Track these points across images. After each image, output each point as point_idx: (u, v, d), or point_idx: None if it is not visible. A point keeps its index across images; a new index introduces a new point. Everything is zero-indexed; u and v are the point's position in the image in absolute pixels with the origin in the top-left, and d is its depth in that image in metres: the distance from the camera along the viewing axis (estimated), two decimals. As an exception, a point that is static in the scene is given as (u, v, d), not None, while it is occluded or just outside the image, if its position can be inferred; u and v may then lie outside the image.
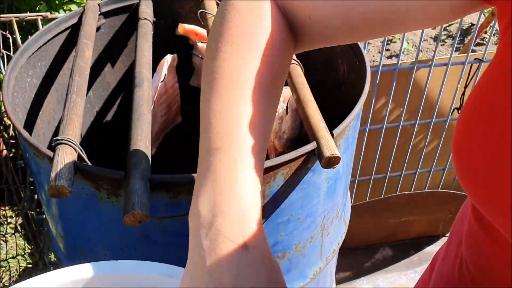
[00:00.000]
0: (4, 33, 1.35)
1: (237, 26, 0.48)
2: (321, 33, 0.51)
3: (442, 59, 1.52)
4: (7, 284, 1.73)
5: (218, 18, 0.50)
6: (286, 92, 1.01)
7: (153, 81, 1.09)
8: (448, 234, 0.70)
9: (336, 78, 1.13)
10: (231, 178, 0.43)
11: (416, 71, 1.51)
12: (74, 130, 0.77)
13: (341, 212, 1.00)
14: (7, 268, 1.73)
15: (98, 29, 1.14)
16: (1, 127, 1.42)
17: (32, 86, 1.02)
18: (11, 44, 1.39)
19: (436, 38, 3.24)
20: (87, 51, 0.95)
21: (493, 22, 2.13)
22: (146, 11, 1.11)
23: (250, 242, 0.41)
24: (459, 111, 1.63)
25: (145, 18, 1.08)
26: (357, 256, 1.75)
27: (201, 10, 1.08)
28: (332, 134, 0.77)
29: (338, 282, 1.68)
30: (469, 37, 3.15)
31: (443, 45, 3.21)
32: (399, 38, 3.24)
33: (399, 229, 1.73)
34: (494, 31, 1.63)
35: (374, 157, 1.63)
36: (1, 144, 1.34)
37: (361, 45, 1.02)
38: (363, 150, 1.60)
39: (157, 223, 0.75)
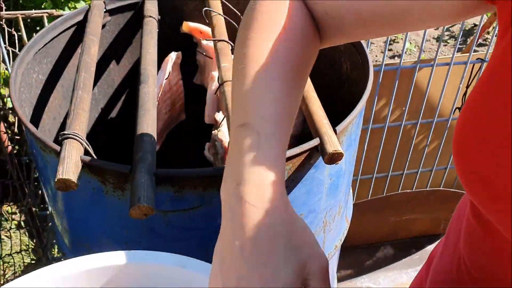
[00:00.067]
0: (10, 30, 1.36)
1: (264, 19, 0.52)
2: (338, 28, 0.54)
3: (444, 58, 1.52)
4: (12, 279, 1.74)
5: (247, 14, 0.54)
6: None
7: (157, 78, 1.10)
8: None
9: (339, 75, 1.14)
10: (254, 150, 0.46)
11: (418, 71, 1.51)
12: (81, 125, 0.78)
13: (343, 209, 1.01)
14: (11, 264, 1.74)
15: (103, 26, 1.15)
16: (5, 124, 1.43)
17: (38, 82, 1.03)
18: (16, 41, 1.41)
19: (438, 39, 3.25)
20: (93, 47, 0.96)
21: (495, 22, 2.14)
22: (151, 9, 1.12)
23: (270, 207, 0.44)
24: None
25: (150, 16, 1.09)
26: (359, 254, 1.76)
27: (206, 8, 1.09)
28: (335, 131, 0.78)
29: (340, 280, 1.69)
30: (471, 38, 3.16)
31: (445, 45, 3.22)
32: (401, 38, 3.25)
33: (401, 228, 1.74)
34: (496, 32, 1.63)
35: (376, 156, 1.64)
36: (6, 140, 1.35)
37: (364, 43, 1.03)
38: (365, 149, 1.61)
39: (162, 217, 0.76)
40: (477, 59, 1.53)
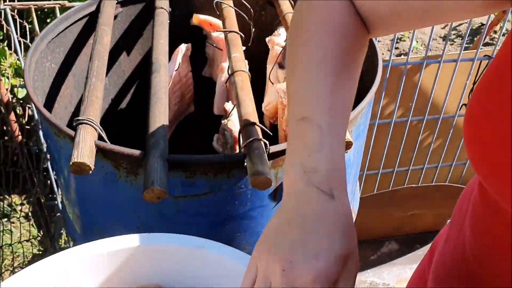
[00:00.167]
0: (21, 21, 1.38)
1: (312, 19, 0.55)
2: (380, 23, 0.57)
3: (452, 54, 1.53)
4: (18, 270, 1.76)
5: (296, 15, 0.58)
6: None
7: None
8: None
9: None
10: (318, 142, 0.49)
11: (425, 67, 1.52)
12: (95, 111, 0.79)
13: (350, 200, 1.02)
14: (18, 254, 1.76)
15: (115, 17, 1.16)
16: (14, 113, 1.45)
17: (51, 70, 1.04)
18: (28, 33, 1.42)
19: (445, 38, 3.25)
20: (105, 37, 0.98)
21: (502, 21, 2.14)
22: (163, 0, 1.13)
23: (337, 193, 0.48)
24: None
25: (161, 7, 1.10)
26: (363, 249, 1.77)
27: (217, 0, 1.11)
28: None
29: (344, 274, 1.69)
30: (478, 37, 3.16)
31: (452, 44, 3.22)
32: (408, 37, 3.26)
33: (405, 223, 1.74)
34: (504, 31, 1.64)
35: (382, 152, 1.65)
36: (17, 129, 1.37)
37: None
38: (371, 144, 1.62)
39: (173, 202, 0.78)
40: (484, 55, 1.53)
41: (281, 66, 1.15)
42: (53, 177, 1.53)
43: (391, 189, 1.66)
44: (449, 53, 1.55)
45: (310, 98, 0.52)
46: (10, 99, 1.30)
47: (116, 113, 1.29)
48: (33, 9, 1.25)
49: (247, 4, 1.12)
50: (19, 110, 1.71)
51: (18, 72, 1.43)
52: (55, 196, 1.60)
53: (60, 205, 1.60)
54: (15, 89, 1.44)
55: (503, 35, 3.11)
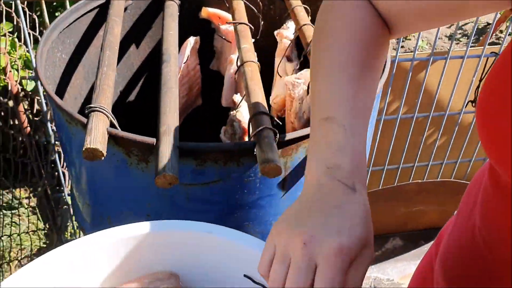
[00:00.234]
0: (30, 13, 1.39)
1: (335, 22, 0.58)
2: (401, 23, 0.58)
3: (459, 51, 1.54)
4: (24, 263, 1.77)
5: (320, 17, 0.60)
6: (308, 74, 1.03)
7: (177, 61, 1.12)
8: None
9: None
10: (341, 141, 0.51)
11: (431, 64, 1.53)
12: (106, 99, 0.80)
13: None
14: (24, 247, 1.77)
15: (124, 9, 1.17)
16: (23, 105, 1.46)
17: (62, 61, 1.05)
18: (37, 25, 1.43)
19: (450, 37, 3.25)
20: (116, 28, 0.99)
21: (509, 19, 2.15)
22: (172, -7, 1.14)
23: (358, 188, 0.50)
24: (473, 105, 1.65)
25: (171, 0, 1.11)
26: (368, 245, 1.77)
27: (226, -7, 1.11)
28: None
29: (348, 269, 1.70)
30: (485, 34, 3.16)
31: (457, 43, 3.22)
32: (413, 36, 3.26)
33: (410, 219, 1.75)
34: (510, 31, 1.64)
35: (388, 148, 1.66)
36: (25, 121, 1.38)
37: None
38: (377, 140, 1.62)
39: (183, 190, 0.79)
40: (491, 52, 1.54)
41: (289, 59, 1.16)
42: (60, 169, 1.54)
43: (396, 184, 1.67)
44: (456, 49, 1.55)
45: (334, 101, 0.54)
46: (20, 90, 1.31)
47: (125, 105, 1.30)
48: (43, 1, 1.26)
49: (256, -3, 1.13)
50: (26, 104, 1.73)
51: (27, 64, 1.44)
52: (62, 188, 1.61)
53: (66, 198, 1.61)
54: (23, 81, 1.45)
55: (510, 34, 3.11)
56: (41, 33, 1.46)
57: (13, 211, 1.84)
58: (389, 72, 1.48)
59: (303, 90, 1.02)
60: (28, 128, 1.40)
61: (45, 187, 1.51)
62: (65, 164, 1.63)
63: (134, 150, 0.76)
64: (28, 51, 1.34)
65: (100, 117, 0.75)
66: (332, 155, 0.51)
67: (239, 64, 0.92)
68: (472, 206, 0.60)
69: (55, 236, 1.75)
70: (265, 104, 0.80)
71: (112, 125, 0.77)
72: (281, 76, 1.14)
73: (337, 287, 0.44)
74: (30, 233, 1.78)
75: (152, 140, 0.74)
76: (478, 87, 1.61)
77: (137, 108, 1.31)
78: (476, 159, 1.83)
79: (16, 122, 1.48)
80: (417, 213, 1.74)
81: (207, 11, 1.23)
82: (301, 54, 1.09)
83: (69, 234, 1.80)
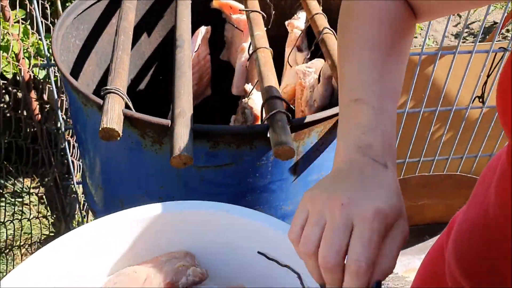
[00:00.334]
0: (43, 2, 1.40)
1: (361, 7, 0.58)
2: (426, 8, 0.59)
3: (467, 46, 1.54)
4: (34, 250, 1.79)
5: (345, 3, 0.61)
6: (318, 63, 1.04)
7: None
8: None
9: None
10: (372, 122, 0.52)
11: (439, 59, 1.53)
12: (122, 82, 0.81)
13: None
14: (31, 235, 1.79)
15: (137, -2, 1.18)
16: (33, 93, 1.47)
17: (75, 47, 1.07)
18: (49, 14, 1.45)
19: (457, 35, 3.25)
20: (130, 14, 1.00)
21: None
22: (185, -18, 1.15)
23: (390, 166, 0.50)
24: (480, 100, 1.66)
25: (184, -11, 1.12)
26: (373, 238, 1.78)
27: (238, -17, 1.12)
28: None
29: (353, 262, 1.71)
30: (494, 30, 3.16)
31: (464, 42, 3.22)
32: (420, 34, 3.26)
33: (415, 213, 1.76)
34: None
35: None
36: (36, 108, 1.39)
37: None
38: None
39: (196, 172, 0.80)
40: (499, 48, 1.54)
41: (299, 49, 1.17)
42: (70, 157, 1.55)
43: (402, 177, 1.68)
44: (464, 44, 1.56)
45: (362, 82, 0.55)
46: (32, 77, 1.32)
47: (136, 93, 1.31)
48: (56, -11, 1.27)
49: (267, -14, 1.14)
50: (36, 93, 1.74)
51: (39, 53, 1.45)
52: (71, 177, 1.62)
53: (75, 186, 1.62)
54: (35, 70, 1.46)
55: (516, 33, 3.11)
56: (52, 23, 1.47)
57: (19, 200, 1.86)
58: (397, 66, 1.48)
59: (314, 79, 1.03)
60: (39, 116, 1.41)
61: (54, 175, 1.52)
62: (74, 153, 1.64)
63: (149, 132, 0.77)
64: (40, 39, 1.35)
65: (116, 99, 0.76)
66: (363, 136, 0.51)
67: (251, 50, 0.93)
68: (486, 189, 0.61)
69: (63, 225, 1.76)
70: (278, 88, 0.81)
71: (127, 107, 0.78)
72: (291, 66, 1.15)
73: (373, 248, 0.45)
74: (37, 221, 1.79)
75: (167, 122, 0.75)
76: (485, 82, 1.62)
77: (147, 96, 1.32)
78: (481, 155, 1.83)
79: (27, 110, 1.49)
80: (422, 207, 1.75)
81: (218, 1, 1.24)
82: (311, 44, 1.10)
83: (76, 223, 1.82)
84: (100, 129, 0.70)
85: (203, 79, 1.31)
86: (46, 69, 1.51)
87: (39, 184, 1.90)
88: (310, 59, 1.11)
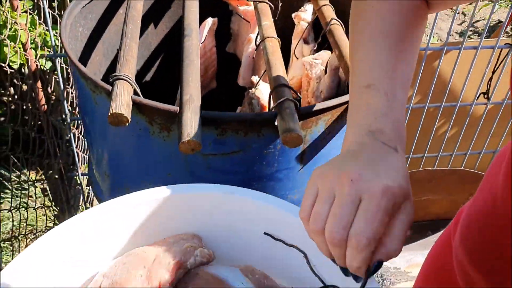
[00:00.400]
0: (50, -7, 1.41)
1: None
2: None
3: (472, 42, 1.54)
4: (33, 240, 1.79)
5: None
6: (325, 55, 1.05)
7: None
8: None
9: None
10: (383, 108, 0.53)
11: (444, 54, 1.53)
12: (130, 69, 0.82)
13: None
14: (35, 227, 1.79)
15: (144, -11, 1.18)
16: (40, 84, 1.47)
17: (83, 36, 1.07)
18: (56, 5, 1.45)
19: (462, 34, 3.25)
20: (138, 3, 1.00)
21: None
22: (192, -27, 1.15)
23: (400, 150, 0.51)
24: (485, 96, 1.66)
25: (191, -21, 1.12)
26: (376, 233, 1.78)
27: (246, -26, 1.13)
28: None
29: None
30: (499, 26, 3.16)
31: (468, 41, 3.22)
32: (424, 32, 3.26)
33: (419, 208, 1.76)
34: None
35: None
36: (42, 99, 1.40)
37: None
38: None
39: (203, 160, 0.80)
40: (505, 44, 1.54)
41: (306, 41, 1.17)
42: (75, 149, 1.56)
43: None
44: (470, 40, 1.56)
45: (374, 69, 0.55)
46: (39, 67, 1.33)
47: (142, 84, 1.31)
48: (64, -20, 1.28)
49: (275, -22, 1.14)
50: (42, 83, 1.74)
51: (45, 44, 1.46)
52: (76, 168, 1.63)
53: (80, 178, 1.63)
54: (41, 61, 1.47)
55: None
56: (59, 15, 1.48)
57: (24, 192, 1.86)
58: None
59: (321, 70, 1.03)
60: (45, 106, 1.41)
61: (60, 166, 1.53)
62: (79, 145, 1.64)
63: (157, 119, 0.77)
64: (47, 30, 1.35)
65: (124, 85, 0.77)
66: (375, 120, 0.52)
67: (259, 40, 0.93)
68: (494, 178, 0.61)
69: (67, 217, 1.77)
70: (286, 77, 0.82)
71: (135, 93, 0.79)
72: (297, 58, 1.15)
73: (377, 225, 0.45)
74: (41, 213, 1.80)
75: (176, 109, 0.75)
76: (490, 78, 1.62)
77: (153, 87, 1.32)
78: (485, 152, 1.83)
79: (32, 101, 1.50)
80: (426, 202, 1.75)
81: (225, -7, 1.25)
82: (318, 36, 1.10)
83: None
84: (109, 114, 0.71)
85: (208, 71, 1.31)
86: (52, 60, 1.52)
87: (43, 176, 1.91)
88: (317, 51, 1.11)
